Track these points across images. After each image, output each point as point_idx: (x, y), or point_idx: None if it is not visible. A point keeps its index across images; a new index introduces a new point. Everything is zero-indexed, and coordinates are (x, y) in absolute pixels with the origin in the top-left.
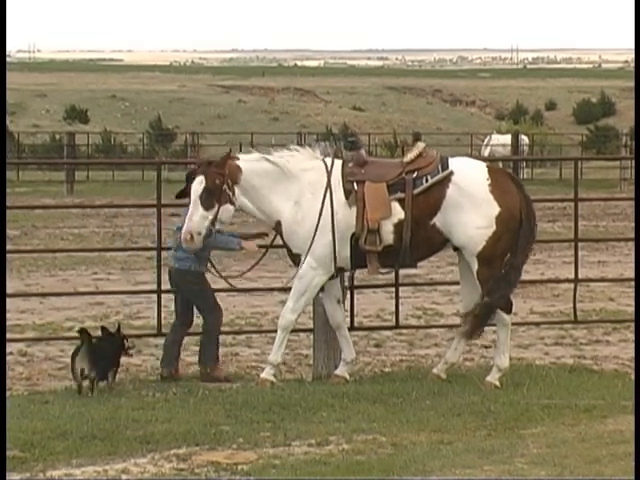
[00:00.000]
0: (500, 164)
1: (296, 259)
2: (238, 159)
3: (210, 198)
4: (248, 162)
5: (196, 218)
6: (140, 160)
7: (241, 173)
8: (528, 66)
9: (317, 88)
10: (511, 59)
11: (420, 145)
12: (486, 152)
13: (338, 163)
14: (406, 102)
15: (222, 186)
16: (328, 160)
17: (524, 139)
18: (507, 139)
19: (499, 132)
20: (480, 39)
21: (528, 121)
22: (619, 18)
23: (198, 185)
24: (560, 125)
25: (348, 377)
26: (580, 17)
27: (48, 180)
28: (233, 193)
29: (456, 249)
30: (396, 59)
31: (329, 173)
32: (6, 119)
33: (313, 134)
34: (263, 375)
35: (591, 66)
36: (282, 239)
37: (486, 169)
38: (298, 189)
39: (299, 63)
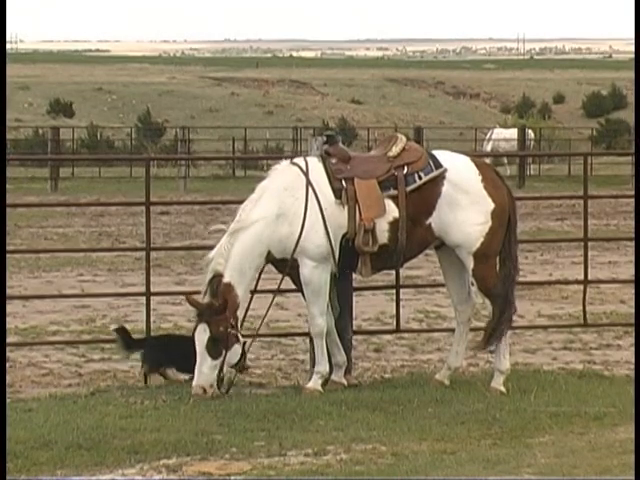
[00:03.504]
0: (505, 160)
1: (280, 265)
2: (225, 277)
3: (217, 346)
4: (233, 271)
5: (206, 370)
6: (128, 156)
7: (234, 290)
8: (535, 57)
9: (314, 80)
10: (517, 49)
11: (402, 138)
12: (488, 147)
13: (314, 160)
14: (407, 95)
15: (227, 331)
16: (299, 160)
17: (529, 133)
18: (510, 133)
19: (504, 126)
20: (485, 28)
21: (535, 115)
22: (630, 7)
23: (202, 334)
24: (569, 119)
25: (345, 383)
26: (590, 5)
27: (31, 177)
28: (237, 324)
29: (437, 248)
30: (397, 49)
31: (306, 172)
32: (6, 118)
33: (309, 128)
34: (311, 385)
35: (601, 57)
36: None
37: (473, 163)
38: (276, 206)
39: (295, 54)
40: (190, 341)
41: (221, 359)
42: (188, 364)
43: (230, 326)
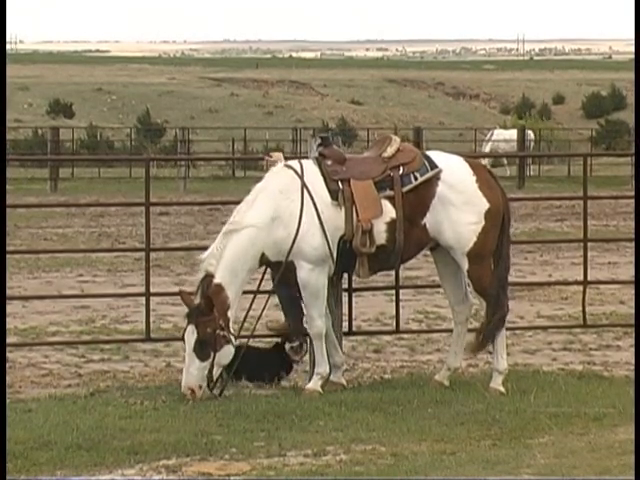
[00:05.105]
0: (505, 161)
1: (276, 267)
2: (216, 277)
3: (205, 348)
4: (224, 272)
5: (194, 372)
6: (127, 156)
7: (224, 291)
8: (535, 58)
9: (313, 81)
10: (517, 50)
11: (396, 139)
12: (487, 148)
13: (309, 162)
14: (407, 95)
15: (215, 332)
16: (294, 163)
17: (529, 134)
18: (510, 134)
19: (503, 127)
20: (484, 29)
21: (535, 115)
22: (630, 7)
23: (190, 336)
24: (568, 120)
25: (345, 383)
26: (590, 6)
27: (31, 177)
28: (227, 326)
29: (433, 249)
30: (396, 50)
31: (301, 175)
32: (6, 118)
33: (309, 129)
34: (311, 386)
35: (601, 57)
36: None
37: (467, 164)
38: (271, 209)
39: (294, 54)
40: (262, 352)
41: (210, 360)
42: (259, 373)
43: (219, 327)
